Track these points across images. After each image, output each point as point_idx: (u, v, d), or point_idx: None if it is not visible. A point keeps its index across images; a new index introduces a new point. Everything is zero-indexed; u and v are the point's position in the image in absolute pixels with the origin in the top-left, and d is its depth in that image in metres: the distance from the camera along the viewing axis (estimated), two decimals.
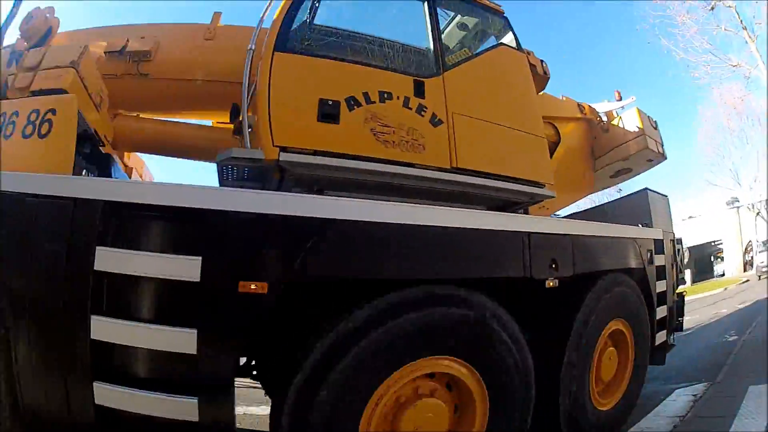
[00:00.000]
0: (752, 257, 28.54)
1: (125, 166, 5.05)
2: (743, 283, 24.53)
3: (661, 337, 5.21)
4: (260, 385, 4.05)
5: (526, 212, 4.54)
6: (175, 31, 4.80)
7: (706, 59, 17.34)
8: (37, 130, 2.99)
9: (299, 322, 2.79)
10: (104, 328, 2.18)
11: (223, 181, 3.83)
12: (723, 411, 4.68)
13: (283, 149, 3.15)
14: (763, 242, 26.80)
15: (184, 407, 2.18)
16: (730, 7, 15.70)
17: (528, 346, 3.28)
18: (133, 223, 2.32)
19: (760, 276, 24.03)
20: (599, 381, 4.15)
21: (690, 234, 31.37)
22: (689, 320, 11.83)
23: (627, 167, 6.63)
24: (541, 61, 5.00)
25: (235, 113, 3.56)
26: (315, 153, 3.23)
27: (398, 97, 3.55)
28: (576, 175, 6.29)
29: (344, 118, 3.32)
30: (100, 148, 3.85)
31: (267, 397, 3.71)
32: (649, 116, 6.61)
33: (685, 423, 4.60)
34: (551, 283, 3.47)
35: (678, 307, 6.01)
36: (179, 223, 2.33)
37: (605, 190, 8.81)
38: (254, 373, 3.90)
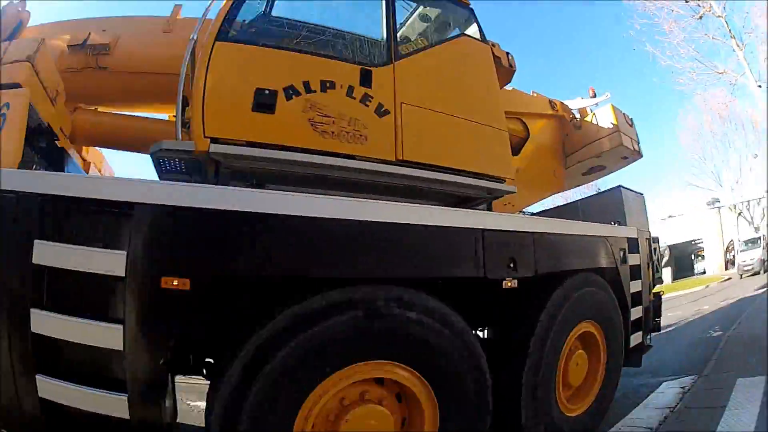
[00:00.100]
0: (734, 256, 28.77)
1: (84, 160, 4.96)
2: (725, 281, 24.80)
3: (636, 338, 5.06)
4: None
5: (489, 209, 4.36)
6: (136, 24, 4.70)
7: (691, 66, 17.42)
8: None
9: (232, 320, 2.64)
10: (43, 322, 2.15)
11: (160, 174, 3.66)
12: (712, 403, 4.70)
13: (215, 140, 3.05)
14: (744, 242, 27.04)
15: (115, 404, 2.14)
16: (719, 17, 15.77)
17: (487, 349, 3.10)
18: (68, 216, 2.27)
19: (741, 275, 24.21)
20: (567, 385, 3.96)
21: (670, 233, 31.99)
22: (672, 316, 12.12)
23: (600, 165, 6.47)
24: (507, 53, 4.85)
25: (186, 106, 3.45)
26: (248, 144, 3.11)
27: (341, 86, 3.43)
28: (545, 172, 6.14)
29: (281, 107, 3.20)
30: (56, 142, 3.84)
31: None
32: (624, 113, 6.47)
33: (675, 414, 4.61)
34: (509, 284, 3.28)
35: (655, 307, 5.86)
36: (109, 216, 2.26)
37: (581, 188, 8.66)
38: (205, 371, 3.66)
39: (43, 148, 3.54)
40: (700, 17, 16.37)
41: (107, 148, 5.26)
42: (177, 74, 4.08)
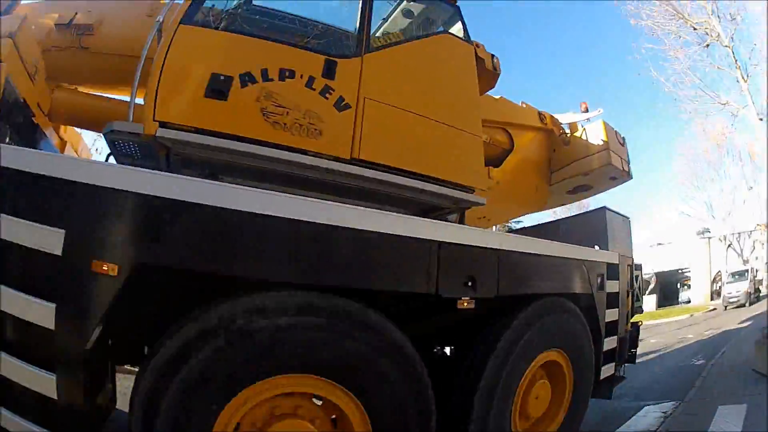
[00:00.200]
0: (720, 287, 28.73)
1: (60, 139, 4.96)
2: (710, 311, 24.81)
3: (608, 370, 4.78)
4: None
5: (462, 222, 4.07)
6: (122, 7, 4.62)
7: (694, 94, 17.21)
8: None
9: (159, 313, 2.55)
10: None
11: (117, 157, 3.51)
12: (693, 428, 4.88)
13: (163, 125, 2.93)
14: (731, 273, 26.97)
15: (43, 382, 2.10)
16: (727, 47, 15.62)
17: (432, 372, 2.84)
18: (15, 190, 2.20)
19: (726, 306, 24.14)
20: (525, 416, 3.69)
21: (658, 260, 31.89)
22: (655, 343, 12.15)
23: (587, 184, 6.17)
24: (492, 55, 4.57)
25: None
26: (196, 131, 2.97)
27: (302, 76, 3.26)
28: (527, 187, 5.85)
29: (234, 95, 3.06)
30: (32, 118, 3.86)
31: None
32: (616, 131, 6.19)
33: None
34: (465, 304, 3.00)
35: (632, 338, 5.63)
36: (51, 193, 2.18)
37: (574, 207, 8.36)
38: None
39: (19, 123, 3.53)
40: (707, 45, 16.23)
41: (84, 128, 5.28)
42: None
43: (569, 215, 6.23)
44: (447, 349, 4.13)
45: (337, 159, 3.27)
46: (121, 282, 2.13)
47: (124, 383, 3.18)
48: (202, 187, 2.36)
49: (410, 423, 2.70)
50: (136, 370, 2.60)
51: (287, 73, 3.21)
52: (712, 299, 30.16)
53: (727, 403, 5.54)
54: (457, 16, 4.29)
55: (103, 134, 3.17)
